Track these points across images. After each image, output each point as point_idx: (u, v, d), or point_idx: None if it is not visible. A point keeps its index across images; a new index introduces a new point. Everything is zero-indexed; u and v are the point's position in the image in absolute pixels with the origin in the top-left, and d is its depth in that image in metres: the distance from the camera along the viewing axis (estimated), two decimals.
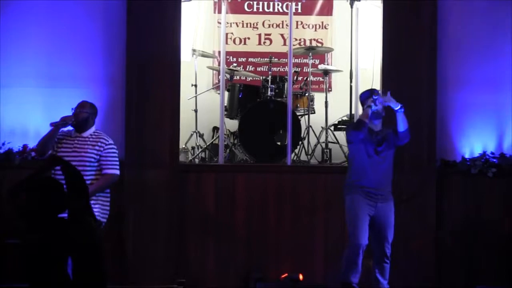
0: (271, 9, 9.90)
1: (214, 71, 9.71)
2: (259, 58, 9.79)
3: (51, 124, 6.50)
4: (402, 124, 6.83)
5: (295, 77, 9.13)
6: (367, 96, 6.98)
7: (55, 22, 8.07)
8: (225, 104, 8.79)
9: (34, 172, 5.34)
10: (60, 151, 6.51)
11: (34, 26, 8.06)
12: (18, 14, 8.08)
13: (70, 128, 6.70)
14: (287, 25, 9.31)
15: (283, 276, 7.64)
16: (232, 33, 9.86)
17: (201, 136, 9.11)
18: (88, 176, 6.45)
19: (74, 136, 6.57)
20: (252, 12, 9.89)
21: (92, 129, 6.62)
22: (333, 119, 9.08)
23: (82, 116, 6.55)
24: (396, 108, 6.81)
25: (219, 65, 9.13)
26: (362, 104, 7.02)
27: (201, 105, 9.22)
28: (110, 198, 6.62)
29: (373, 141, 6.88)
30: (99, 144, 6.55)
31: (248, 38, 9.91)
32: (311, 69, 9.11)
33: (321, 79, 9.50)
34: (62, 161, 5.31)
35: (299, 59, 9.70)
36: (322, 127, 9.04)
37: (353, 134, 6.86)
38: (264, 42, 9.92)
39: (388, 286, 6.89)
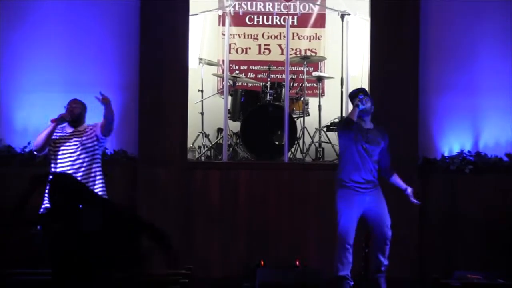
0: (270, 22, 9.86)
1: (219, 78, 9.68)
2: (259, 66, 9.84)
3: (52, 121, 6.45)
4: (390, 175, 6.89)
5: (292, 83, 9.13)
6: (354, 94, 6.79)
7: (75, 34, 8.16)
8: (229, 108, 8.83)
9: (21, 199, 5.14)
10: (58, 147, 6.51)
11: (56, 38, 8.15)
12: (41, 26, 8.18)
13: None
14: (284, 36, 9.38)
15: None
16: (234, 44, 9.83)
17: (207, 136, 9.13)
18: (95, 164, 6.55)
19: (70, 132, 6.56)
20: (252, 25, 9.87)
21: (85, 124, 6.62)
22: (326, 121, 9.12)
23: (76, 112, 6.56)
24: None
25: (223, 72, 9.14)
26: (351, 102, 6.84)
27: (207, 108, 9.27)
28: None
29: (363, 139, 6.69)
30: (94, 132, 6.56)
31: (249, 48, 9.92)
32: (305, 76, 9.18)
33: (314, 85, 9.51)
34: (46, 177, 5.13)
35: (295, 67, 9.65)
36: (315, 128, 9.06)
37: (342, 133, 6.79)
38: (264, 52, 9.93)
39: (387, 262, 6.78)
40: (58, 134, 6.55)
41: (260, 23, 9.91)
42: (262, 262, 7.68)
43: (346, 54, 9.01)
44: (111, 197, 7.56)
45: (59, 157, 6.52)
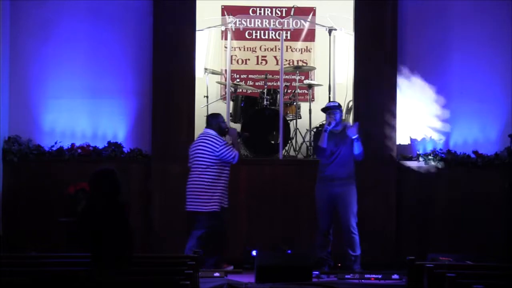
0: (266, 37, 9.83)
1: (222, 85, 9.61)
2: (257, 75, 9.82)
3: None
4: (357, 149, 7.17)
5: (285, 90, 9.19)
6: (325, 112, 7.36)
7: (95, 48, 8.23)
8: (230, 111, 8.91)
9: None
10: None
11: (79, 50, 8.22)
12: (66, 40, 8.22)
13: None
14: (279, 49, 9.42)
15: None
16: (235, 55, 9.79)
17: None
18: None
19: None
20: (251, 39, 9.83)
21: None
22: (315, 123, 9.03)
23: None
24: (353, 137, 7.10)
25: (225, 80, 9.21)
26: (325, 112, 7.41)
27: (211, 111, 8.63)
28: None
29: (332, 143, 7.19)
30: None
31: (248, 59, 9.87)
32: (298, 84, 9.22)
33: (305, 91, 9.48)
34: None
35: (289, 76, 9.52)
36: (306, 129, 9.04)
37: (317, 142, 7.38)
38: (261, 62, 9.87)
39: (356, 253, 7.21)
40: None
41: (258, 37, 9.89)
42: (260, 246, 7.66)
43: (333, 64, 9.08)
44: (128, 189, 7.75)
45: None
